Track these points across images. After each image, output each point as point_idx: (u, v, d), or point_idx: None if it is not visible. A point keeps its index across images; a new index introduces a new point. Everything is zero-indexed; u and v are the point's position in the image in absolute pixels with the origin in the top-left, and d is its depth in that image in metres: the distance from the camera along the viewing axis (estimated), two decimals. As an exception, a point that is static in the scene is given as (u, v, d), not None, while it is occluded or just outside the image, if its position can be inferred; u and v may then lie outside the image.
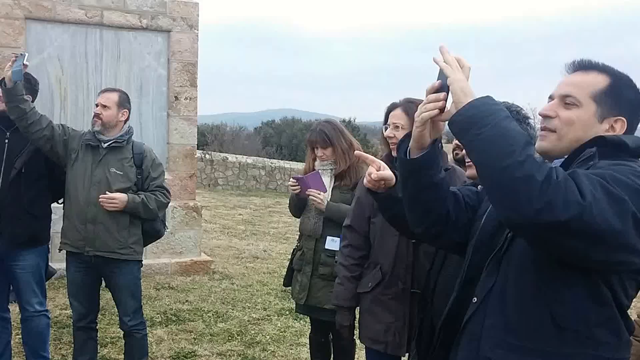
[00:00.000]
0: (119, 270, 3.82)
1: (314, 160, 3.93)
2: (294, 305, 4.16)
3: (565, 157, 1.72)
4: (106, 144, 3.79)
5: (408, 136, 1.88)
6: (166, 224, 4.17)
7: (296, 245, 4.01)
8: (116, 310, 4.11)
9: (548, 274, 1.61)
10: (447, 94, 1.69)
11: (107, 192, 3.70)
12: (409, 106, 2.94)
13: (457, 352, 1.82)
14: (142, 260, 3.99)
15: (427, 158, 1.82)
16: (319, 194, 3.71)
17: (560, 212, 1.40)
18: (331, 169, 3.84)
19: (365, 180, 2.36)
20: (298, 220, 4.03)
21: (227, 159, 18.79)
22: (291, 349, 5.01)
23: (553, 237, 1.46)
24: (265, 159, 20.68)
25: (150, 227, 3.94)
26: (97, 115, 3.78)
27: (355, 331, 3.27)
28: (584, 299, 1.59)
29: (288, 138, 29.64)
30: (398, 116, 2.96)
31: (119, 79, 7.16)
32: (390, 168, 3.04)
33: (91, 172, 3.75)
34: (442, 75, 1.71)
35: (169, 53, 7.40)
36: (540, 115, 1.78)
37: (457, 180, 2.89)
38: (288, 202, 4.14)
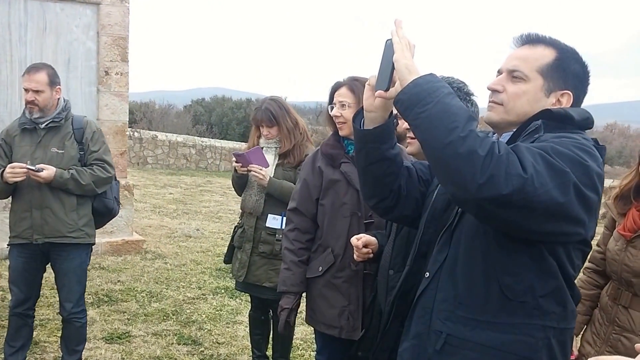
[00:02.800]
0: (67, 254, 3.62)
1: (259, 138, 3.84)
2: (230, 283, 4.09)
3: (513, 130, 1.73)
4: (43, 125, 3.55)
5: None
6: (119, 200, 3.95)
7: (238, 223, 3.94)
8: (48, 291, 3.93)
9: (496, 247, 1.63)
10: (393, 71, 1.66)
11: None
12: (354, 84, 2.90)
13: (410, 326, 1.82)
14: (93, 243, 3.78)
15: (380, 131, 1.79)
16: (261, 170, 3.63)
17: (503, 185, 1.41)
18: (276, 147, 3.77)
19: (355, 256, 2.49)
20: (229, 198, 3.95)
21: (157, 137, 18.29)
22: (227, 327, 4.95)
23: (496, 211, 1.46)
24: (196, 138, 20.26)
25: (100, 204, 3.71)
26: (31, 102, 3.49)
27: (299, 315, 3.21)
28: (530, 270, 1.61)
29: (218, 116, 29.08)
30: (344, 94, 2.91)
31: (45, 52, 6.78)
32: (337, 146, 3.02)
33: (31, 155, 3.51)
34: (388, 52, 1.67)
35: (99, 26, 7.05)
36: (488, 89, 1.78)
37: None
38: (231, 180, 4.02)
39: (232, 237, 3.93)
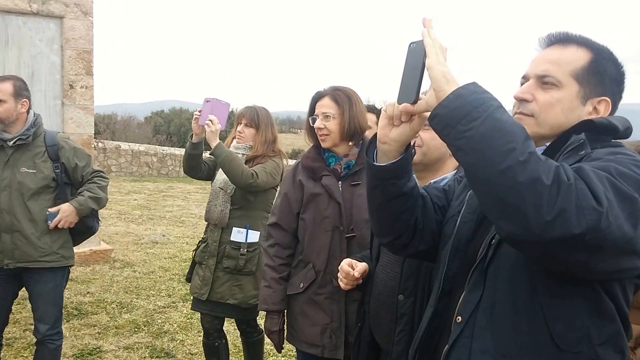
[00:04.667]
0: (41, 277, 3.04)
1: (232, 139, 3.36)
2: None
3: (547, 144, 1.33)
4: (11, 142, 2.96)
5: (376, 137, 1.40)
6: (99, 218, 3.34)
7: (202, 238, 3.41)
8: (14, 307, 3.33)
9: (543, 288, 1.21)
10: (421, 78, 1.24)
11: (24, 201, 2.94)
12: (337, 94, 2.49)
13: None
14: (71, 265, 3.20)
15: (397, 166, 1.37)
16: (217, 125, 3.09)
17: (575, 223, 1.01)
18: (244, 154, 3.26)
19: (342, 285, 2.04)
20: (191, 203, 3.42)
21: (120, 146, 17.43)
22: (199, 336, 4.41)
23: (563, 253, 1.06)
24: (157, 147, 19.44)
25: (80, 223, 3.12)
26: None
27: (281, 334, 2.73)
28: (586, 315, 1.21)
29: (177, 127, 28.20)
30: (327, 105, 2.49)
31: (8, 66, 6.05)
32: (317, 159, 2.59)
33: (0, 176, 2.94)
34: (413, 57, 1.25)
35: (62, 40, 6.37)
36: (515, 98, 1.36)
37: None
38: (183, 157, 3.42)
39: (194, 252, 3.39)
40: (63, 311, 4.71)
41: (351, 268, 2.02)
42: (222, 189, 3.24)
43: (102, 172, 3.24)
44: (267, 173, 3.15)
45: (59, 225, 2.99)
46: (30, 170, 2.99)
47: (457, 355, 1.31)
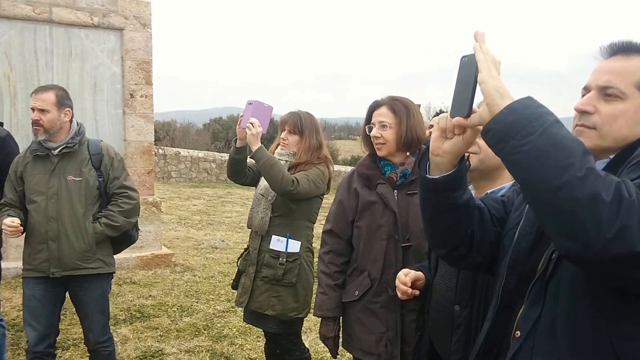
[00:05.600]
0: (87, 285, 3.13)
1: (277, 147, 3.33)
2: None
3: (610, 158, 1.31)
4: (57, 151, 3.08)
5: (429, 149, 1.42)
6: (139, 227, 3.44)
7: (247, 245, 3.40)
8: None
9: (607, 304, 1.18)
10: (474, 92, 1.25)
11: (71, 209, 3.04)
12: (395, 103, 2.52)
13: None
14: (113, 272, 3.28)
15: (451, 179, 1.37)
16: (258, 127, 3.05)
17: (637, 239, 1.01)
18: (287, 161, 3.23)
19: (400, 294, 2.05)
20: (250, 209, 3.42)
21: (180, 153, 18.04)
22: (258, 342, 4.56)
23: (625, 270, 1.06)
24: (216, 153, 19.98)
25: (121, 234, 3.23)
26: (36, 123, 3.03)
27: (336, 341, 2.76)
28: None
29: (235, 133, 28.86)
30: (384, 114, 2.52)
31: (72, 77, 6.45)
32: (373, 167, 2.63)
33: (46, 184, 3.05)
34: (465, 71, 1.26)
35: (123, 51, 6.72)
36: (576, 110, 1.34)
37: None
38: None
39: (238, 260, 3.41)
40: (127, 313, 5.00)
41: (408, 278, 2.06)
42: (263, 195, 3.22)
43: (130, 190, 3.25)
44: (309, 181, 3.10)
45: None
46: (77, 178, 3.08)
47: None
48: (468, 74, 1.25)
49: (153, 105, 6.96)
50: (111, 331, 3.36)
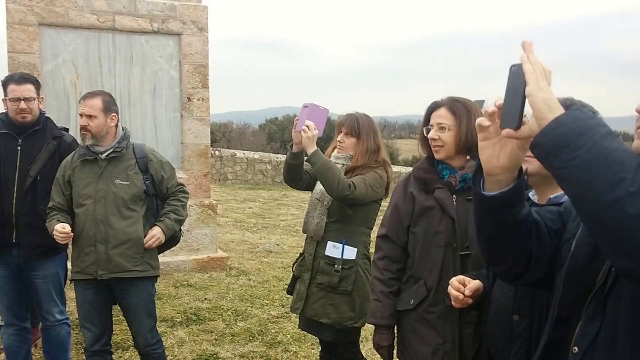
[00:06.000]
0: (134, 288, 3.24)
1: (333, 149, 3.32)
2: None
3: None
4: (104, 155, 3.21)
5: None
6: (182, 228, 3.56)
7: (302, 250, 3.41)
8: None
9: None
10: (523, 103, 1.23)
11: (119, 212, 3.17)
12: (455, 105, 2.45)
13: None
14: (158, 275, 3.40)
15: (510, 195, 1.33)
16: (314, 130, 3.04)
17: None
18: (344, 164, 3.20)
19: (453, 301, 2.00)
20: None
21: (236, 154, 18.36)
22: (313, 349, 4.59)
23: None
24: (271, 154, 20.21)
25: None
26: (84, 128, 3.15)
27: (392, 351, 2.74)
28: None
29: (290, 135, 29.10)
30: (443, 116, 2.46)
31: (132, 82, 6.71)
32: (430, 171, 2.59)
33: (94, 188, 3.17)
34: (515, 81, 1.24)
35: (180, 56, 6.93)
36: (638, 112, 1.28)
37: None
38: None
39: (293, 265, 3.42)
40: (183, 316, 5.15)
41: (462, 285, 2.01)
42: (319, 199, 3.21)
43: (184, 186, 3.44)
44: (366, 185, 3.06)
45: (149, 246, 3.21)
46: (124, 182, 3.18)
47: None
48: (517, 84, 1.23)
49: (209, 108, 7.14)
50: (168, 333, 3.47)
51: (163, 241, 3.27)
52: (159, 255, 3.39)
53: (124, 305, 3.31)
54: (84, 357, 4.15)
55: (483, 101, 4.91)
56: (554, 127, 1.13)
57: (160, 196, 3.37)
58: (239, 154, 18.62)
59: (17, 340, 3.62)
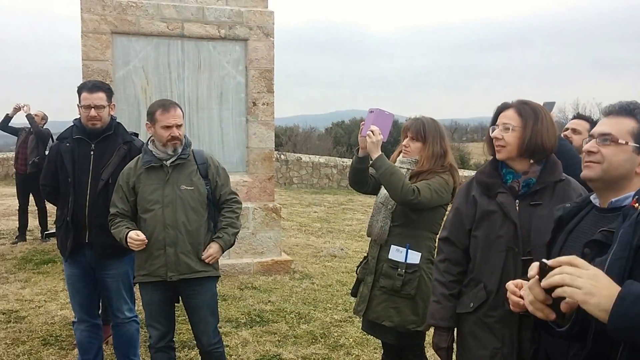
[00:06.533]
0: (200, 288, 3.41)
1: (399, 154, 3.36)
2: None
3: None
4: (169, 162, 3.37)
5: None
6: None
7: (367, 253, 3.46)
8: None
9: None
10: None
11: (186, 217, 3.34)
12: (523, 107, 2.47)
13: None
14: (219, 276, 3.58)
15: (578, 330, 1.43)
16: (379, 136, 3.09)
17: None
18: (408, 169, 3.23)
19: (512, 306, 1.95)
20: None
21: (301, 158, 18.60)
22: (375, 353, 4.61)
23: None
24: (337, 158, 20.35)
25: None
26: (176, 138, 3.34)
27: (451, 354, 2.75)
28: None
29: (358, 138, 29.18)
30: (510, 117, 2.47)
31: (200, 87, 6.97)
32: (493, 175, 2.57)
33: (162, 194, 3.34)
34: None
35: (247, 61, 7.14)
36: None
37: (573, 193, 2.38)
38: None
39: (357, 268, 3.47)
40: (247, 317, 5.29)
41: (518, 289, 1.99)
42: (383, 204, 3.26)
43: (237, 196, 3.57)
44: (431, 190, 3.09)
45: (209, 261, 3.39)
46: (189, 187, 3.35)
47: None
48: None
49: (274, 112, 7.30)
50: (233, 333, 3.60)
51: (219, 257, 3.44)
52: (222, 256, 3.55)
53: (190, 305, 3.46)
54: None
55: (553, 103, 4.77)
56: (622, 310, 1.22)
57: (213, 201, 3.51)
58: (305, 158, 18.85)
59: (89, 336, 3.85)
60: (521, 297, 1.96)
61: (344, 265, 7.64)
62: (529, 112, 2.46)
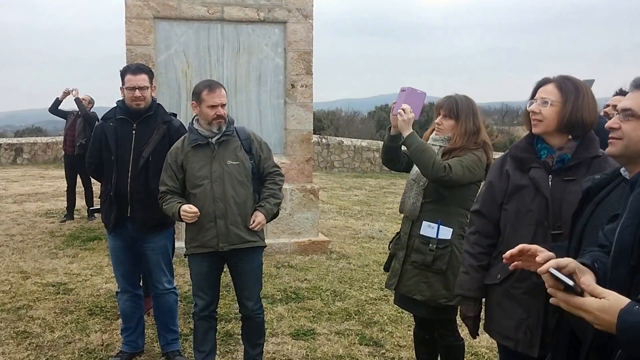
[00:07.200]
0: (247, 257, 3.64)
1: (431, 132, 3.43)
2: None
3: None
4: (215, 139, 3.59)
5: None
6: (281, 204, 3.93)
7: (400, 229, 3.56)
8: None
9: None
10: None
11: (233, 190, 3.56)
12: (564, 82, 2.47)
13: None
14: (265, 246, 3.81)
15: None
16: (410, 114, 3.16)
17: None
18: (441, 146, 3.30)
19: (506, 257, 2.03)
20: None
21: (343, 142, 18.67)
22: (409, 331, 4.74)
23: None
24: (380, 142, 20.32)
25: None
26: (222, 117, 3.56)
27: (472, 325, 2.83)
28: None
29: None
30: (549, 91, 2.49)
31: (239, 70, 7.17)
32: (528, 150, 2.60)
33: (209, 169, 3.56)
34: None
35: (285, 43, 7.29)
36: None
37: (609, 170, 2.45)
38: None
39: (390, 244, 3.58)
40: (283, 294, 5.50)
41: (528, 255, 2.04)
42: (415, 181, 3.35)
43: (279, 169, 3.79)
44: (463, 167, 3.15)
45: (253, 228, 3.60)
46: (235, 162, 3.56)
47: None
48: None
49: (312, 94, 7.44)
50: (269, 308, 3.82)
51: (264, 224, 3.67)
52: None
53: (238, 273, 3.70)
54: (191, 326, 4.63)
55: (593, 81, 4.75)
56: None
57: (257, 175, 3.71)
58: (347, 141, 18.91)
59: (131, 306, 4.13)
60: (521, 261, 2.02)
61: (382, 247, 7.76)
62: (570, 87, 2.46)
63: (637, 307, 1.30)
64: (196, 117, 3.65)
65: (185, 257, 3.77)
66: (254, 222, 3.59)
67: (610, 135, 1.87)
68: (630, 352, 1.30)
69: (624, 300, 1.34)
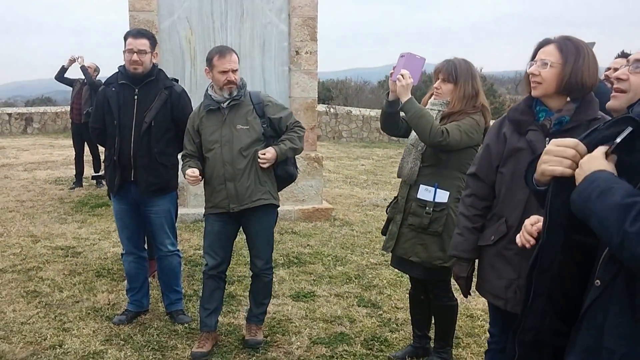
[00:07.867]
0: (259, 215, 3.75)
1: (430, 97, 3.49)
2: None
3: None
4: (225, 104, 3.69)
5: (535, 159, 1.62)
6: (297, 166, 4.04)
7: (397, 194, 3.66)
8: (246, 252, 4.10)
9: None
10: None
11: (243, 152, 3.65)
12: (565, 43, 2.46)
13: (577, 337, 1.56)
14: (278, 206, 3.88)
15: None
16: (409, 79, 3.22)
17: None
18: (439, 111, 3.36)
19: (518, 241, 2.17)
20: None
21: (351, 112, 18.66)
22: (407, 294, 4.87)
23: None
24: (388, 112, 20.24)
25: (283, 171, 3.82)
26: (233, 82, 3.65)
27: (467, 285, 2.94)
28: None
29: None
30: (549, 52, 2.47)
31: (243, 37, 7.22)
32: (526, 112, 2.63)
33: (220, 134, 3.67)
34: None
35: (290, 8, 7.31)
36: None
37: None
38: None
39: (387, 208, 3.70)
40: (285, 259, 5.66)
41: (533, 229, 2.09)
42: (413, 145, 3.43)
43: (300, 122, 3.90)
44: (461, 132, 3.21)
45: (263, 162, 3.64)
46: (245, 127, 3.66)
47: (593, 316, 1.51)
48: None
49: (317, 61, 7.48)
50: (273, 277, 3.97)
51: (273, 160, 3.69)
52: None
53: (249, 232, 3.83)
54: (194, 288, 4.81)
55: (593, 43, 4.78)
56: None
57: (280, 135, 3.81)
58: (355, 111, 18.90)
59: (136, 267, 4.30)
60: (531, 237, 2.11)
61: (386, 215, 7.88)
62: (570, 48, 2.45)
63: (613, 183, 1.43)
64: (211, 84, 3.77)
65: (203, 219, 3.92)
66: (264, 155, 3.65)
67: (615, 87, 1.87)
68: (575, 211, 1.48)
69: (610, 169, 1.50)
